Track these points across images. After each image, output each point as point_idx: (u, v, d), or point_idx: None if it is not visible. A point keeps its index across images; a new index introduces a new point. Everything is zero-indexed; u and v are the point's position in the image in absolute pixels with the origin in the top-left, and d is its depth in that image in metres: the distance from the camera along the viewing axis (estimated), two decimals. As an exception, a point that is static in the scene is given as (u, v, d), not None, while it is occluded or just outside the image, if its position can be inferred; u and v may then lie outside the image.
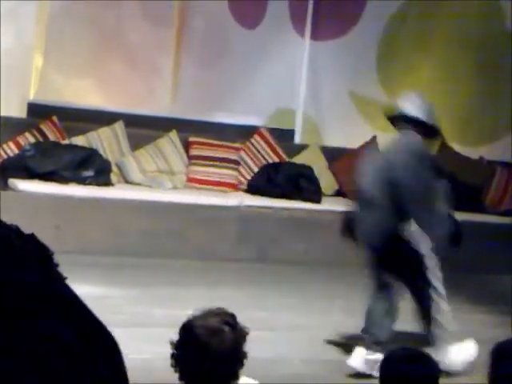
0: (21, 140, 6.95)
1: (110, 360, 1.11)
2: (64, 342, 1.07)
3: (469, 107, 8.36)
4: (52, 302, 1.09)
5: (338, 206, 7.40)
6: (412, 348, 2.53)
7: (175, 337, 2.56)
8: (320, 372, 4.48)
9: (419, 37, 8.17)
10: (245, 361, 2.52)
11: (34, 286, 1.09)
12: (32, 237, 1.16)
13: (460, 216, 7.52)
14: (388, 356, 2.51)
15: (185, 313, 2.63)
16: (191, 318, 2.55)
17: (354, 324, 5.41)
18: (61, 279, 1.13)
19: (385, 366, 2.48)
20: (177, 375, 2.54)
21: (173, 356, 2.51)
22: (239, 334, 2.52)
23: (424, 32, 8.18)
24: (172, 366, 2.51)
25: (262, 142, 7.71)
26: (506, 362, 2.41)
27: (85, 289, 5.76)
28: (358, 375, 4.41)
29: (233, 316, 2.56)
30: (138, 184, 7.11)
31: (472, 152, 8.34)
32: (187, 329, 2.51)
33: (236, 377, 2.52)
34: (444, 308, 4.69)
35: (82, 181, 6.74)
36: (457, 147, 8.29)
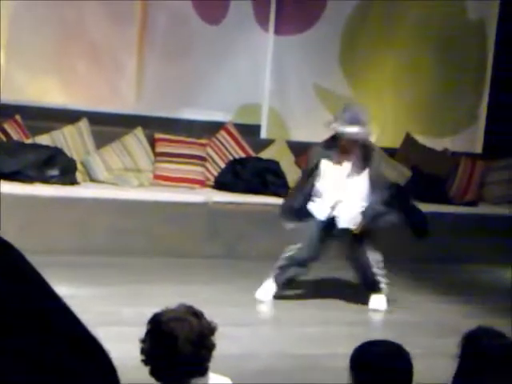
0: (-16, 140, 6.87)
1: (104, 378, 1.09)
2: (50, 358, 1.05)
3: (432, 99, 8.43)
4: (33, 316, 1.05)
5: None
6: (386, 341, 2.54)
7: (143, 335, 2.56)
8: (289, 366, 4.50)
9: (382, 30, 8.22)
10: (213, 352, 2.53)
11: (9, 299, 1.05)
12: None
13: (425, 207, 7.62)
14: (361, 349, 2.51)
15: (152, 310, 2.63)
16: (159, 311, 2.57)
17: (323, 318, 5.44)
18: (46, 288, 1.09)
19: (358, 359, 2.49)
20: (146, 374, 2.54)
21: (142, 351, 2.52)
22: (206, 325, 2.54)
23: (387, 25, 8.23)
24: (142, 361, 2.52)
25: (229, 138, 7.71)
26: (474, 351, 2.44)
27: (55, 289, 5.68)
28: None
29: (200, 312, 2.58)
30: (104, 182, 7.07)
31: (436, 144, 8.42)
32: (155, 321, 2.54)
33: (205, 368, 2.53)
34: (378, 258, 5.73)
35: (47, 180, 6.68)
36: (421, 139, 8.37)
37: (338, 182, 5.53)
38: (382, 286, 5.81)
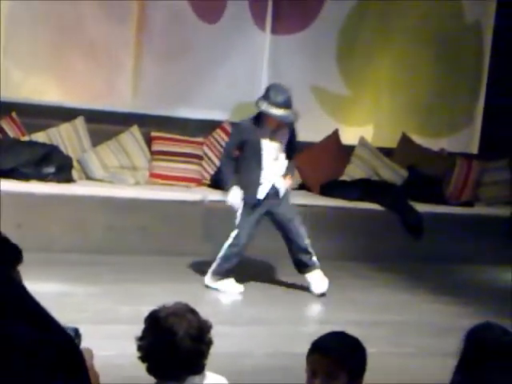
0: (-20, 137, 6.86)
1: (70, 365, 1.10)
2: (23, 342, 1.06)
3: (429, 100, 8.45)
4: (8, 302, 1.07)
5: (302, 199, 7.44)
6: (342, 332, 2.56)
7: (140, 332, 2.56)
8: (283, 365, 4.50)
9: (379, 30, 8.23)
10: (210, 348, 2.54)
11: None
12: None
13: (421, 207, 7.64)
14: (320, 340, 2.54)
15: (149, 308, 2.64)
16: (156, 308, 2.57)
17: (317, 316, 5.45)
18: (14, 280, 1.11)
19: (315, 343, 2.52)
20: (143, 371, 2.54)
21: (139, 348, 2.52)
22: (203, 322, 2.55)
23: (384, 25, 8.24)
24: (139, 358, 2.52)
25: (225, 137, 7.70)
26: (476, 345, 2.45)
27: (48, 287, 5.73)
28: None
29: (195, 310, 2.59)
30: (100, 180, 7.07)
31: (432, 144, 8.43)
32: (153, 317, 2.54)
33: (202, 365, 2.53)
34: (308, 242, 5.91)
35: (43, 178, 6.67)
36: (417, 139, 8.38)
37: (268, 160, 5.78)
38: (315, 258, 5.91)
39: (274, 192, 5.83)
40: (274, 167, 5.82)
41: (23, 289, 1.13)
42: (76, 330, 1.45)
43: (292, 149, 5.93)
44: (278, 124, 5.71)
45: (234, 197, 5.81)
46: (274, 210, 5.87)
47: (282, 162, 5.87)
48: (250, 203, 5.79)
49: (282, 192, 5.85)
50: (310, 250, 5.93)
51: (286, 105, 5.66)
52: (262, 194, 5.80)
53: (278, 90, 5.73)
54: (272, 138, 5.77)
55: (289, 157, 5.90)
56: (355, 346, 2.46)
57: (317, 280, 5.90)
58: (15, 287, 1.12)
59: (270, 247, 6.95)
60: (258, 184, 5.77)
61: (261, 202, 5.82)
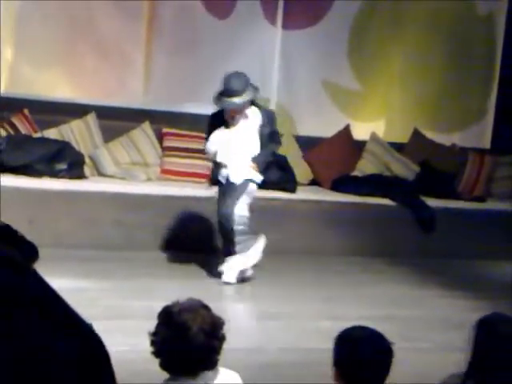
0: (-8, 134, 6.88)
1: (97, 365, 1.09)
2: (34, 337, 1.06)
3: (440, 94, 8.41)
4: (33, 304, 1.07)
5: (313, 194, 7.44)
6: (367, 327, 2.56)
7: (153, 328, 2.56)
8: (297, 360, 4.50)
9: (391, 25, 8.20)
10: (223, 343, 2.54)
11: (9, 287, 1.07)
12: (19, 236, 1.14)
13: (433, 202, 7.61)
14: (343, 335, 2.54)
15: (161, 304, 2.64)
16: (169, 304, 2.58)
17: (330, 312, 5.44)
18: (40, 279, 1.11)
19: (340, 345, 2.52)
20: (155, 367, 2.54)
21: (153, 343, 2.52)
22: (216, 318, 2.55)
23: (395, 20, 8.21)
24: (152, 353, 2.52)
25: (236, 132, 7.71)
26: (488, 336, 2.45)
27: (60, 282, 5.72)
28: None
29: (208, 306, 2.59)
30: (112, 176, 7.08)
31: (444, 139, 8.40)
32: (166, 312, 2.55)
33: (215, 361, 2.54)
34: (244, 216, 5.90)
35: (55, 174, 6.69)
36: (429, 134, 8.35)
37: (227, 146, 5.86)
38: (238, 249, 5.86)
39: (229, 179, 5.89)
40: (233, 155, 5.86)
41: (53, 291, 1.13)
42: (90, 326, 1.45)
43: (266, 137, 5.91)
44: (232, 112, 5.79)
45: (211, 144, 5.92)
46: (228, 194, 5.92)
47: (245, 150, 5.87)
48: (221, 188, 5.95)
49: (234, 180, 5.86)
50: (237, 238, 5.88)
51: (228, 93, 5.73)
52: (222, 178, 5.91)
53: (225, 78, 5.84)
54: (231, 126, 5.86)
55: (264, 145, 5.90)
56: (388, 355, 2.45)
57: (227, 269, 5.88)
58: (49, 290, 1.12)
59: (280, 243, 6.95)
60: (220, 168, 5.91)
61: (224, 185, 5.91)
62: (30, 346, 1.04)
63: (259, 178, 5.94)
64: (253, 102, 5.89)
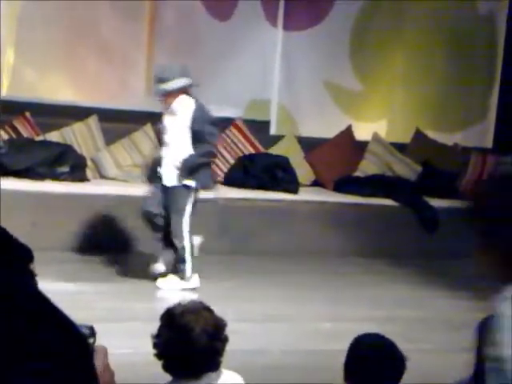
0: (-6, 137, 6.89)
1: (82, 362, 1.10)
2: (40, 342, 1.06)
3: (442, 94, 8.40)
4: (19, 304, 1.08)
5: (315, 195, 7.43)
6: (380, 335, 2.55)
7: (155, 330, 2.56)
8: (299, 362, 4.49)
9: (392, 25, 8.19)
10: (226, 345, 2.54)
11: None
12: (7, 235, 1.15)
13: (436, 202, 7.60)
14: (356, 342, 2.53)
15: (163, 306, 2.64)
16: (171, 306, 2.57)
17: (333, 313, 5.43)
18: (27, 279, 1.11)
19: (353, 351, 2.51)
20: (158, 369, 2.54)
21: (155, 346, 2.52)
22: (218, 319, 2.55)
23: (397, 20, 8.20)
24: (155, 355, 2.51)
25: (238, 134, 7.71)
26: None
27: (63, 285, 5.72)
28: None
29: (210, 308, 2.59)
30: (114, 179, 7.08)
31: (446, 139, 8.39)
32: (169, 314, 2.54)
33: (218, 362, 2.53)
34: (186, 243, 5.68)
35: (57, 177, 6.69)
36: (431, 134, 8.34)
37: (164, 142, 5.73)
38: (184, 268, 5.65)
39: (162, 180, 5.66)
40: (165, 150, 5.66)
41: (39, 291, 1.14)
42: (91, 328, 1.45)
43: (199, 134, 5.59)
44: (161, 100, 5.65)
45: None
46: (164, 197, 5.69)
47: (176, 147, 5.61)
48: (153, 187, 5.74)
49: (166, 182, 5.62)
50: (181, 250, 5.64)
51: (156, 79, 5.65)
52: (158, 176, 5.66)
53: (158, 66, 5.83)
54: (165, 116, 5.71)
55: (198, 143, 5.59)
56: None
57: (166, 282, 5.67)
58: (32, 288, 1.13)
59: (282, 244, 6.95)
60: (157, 163, 5.70)
61: (159, 184, 5.68)
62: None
63: (192, 182, 5.58)
64: (187, 94, 5.63)
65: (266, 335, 4.98)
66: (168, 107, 5.64)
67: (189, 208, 5.60)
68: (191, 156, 5.61)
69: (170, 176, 5.62)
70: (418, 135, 8.29)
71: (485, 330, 2.37)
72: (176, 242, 5.63)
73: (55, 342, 1.06)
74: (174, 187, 5.61)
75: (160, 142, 5.83)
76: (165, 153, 5.67)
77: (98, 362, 1.37)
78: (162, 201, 5.66)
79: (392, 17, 8.19)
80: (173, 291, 5.56)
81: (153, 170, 5.73)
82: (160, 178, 5.67)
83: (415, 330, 5.24)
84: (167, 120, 5.69)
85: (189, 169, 5.56)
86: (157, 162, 5.71)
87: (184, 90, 5.64)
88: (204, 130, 5.59)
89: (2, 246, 1.10)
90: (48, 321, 1.08)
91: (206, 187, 5.78)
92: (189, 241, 5.63)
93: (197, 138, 5.61)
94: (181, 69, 5.69)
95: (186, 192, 5.59)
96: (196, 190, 5.65)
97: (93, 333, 1.40)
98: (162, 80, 5.60)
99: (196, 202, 5.67)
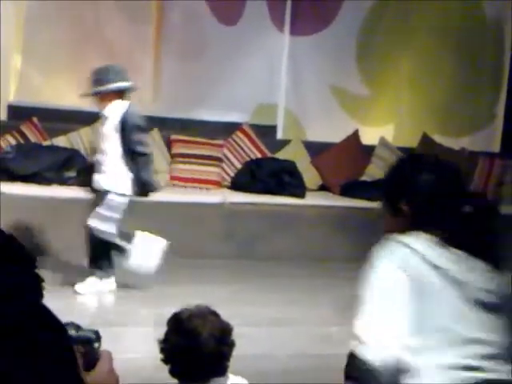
0: (1, 142, 6.91)
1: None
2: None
3: (449, 98, 8.39)
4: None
5: (322, 200, 7.43)
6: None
7: (162, 335, 2.56)
8: (307, 367, 4.49)
9: (399, 29, 8.19)
10: (233, 349, 2.54)
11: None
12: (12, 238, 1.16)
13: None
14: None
15: (170, 311, 2.64)
16: (178, 311, 2.58)
17: (339, 318, 5.43)
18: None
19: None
20: (165, 374, 2.54)
21: (162, 350, 2.52)
22: (225, 324, 2.55)
23: (403, 25, 8.20)
24: (162, 360, 2.52)
25: (245, 138, 7.71)
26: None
27: (70, 290, 5.73)
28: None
29: (216, 312, 2.59)
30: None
31: (453, 143, 8.38)
32: (176, 319, 2.55)
33: (225, 367, 2.53)
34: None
35: (65, 182, 6.71)
36: (438, 139, 8.33)
37: (96, 142, 5.61)
38: (100, 272, 5.52)
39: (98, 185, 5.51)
40: (101, 157, 5.50)
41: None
42: (96, 333, 1.45)
43: (125, 140, 5.40)
44: (98, 103, 5.51)
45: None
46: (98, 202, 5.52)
47: (111, 153, 5.44)
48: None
49: (100, 187, 5.47)
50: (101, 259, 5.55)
51: (92, 81, 5.50)
52: (94, 182, 5.53)
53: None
54: (101, 121, 5.56)
55: (127, 149, 5.40)
56: None
57: (86, 285, 5.52)
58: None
59: (289, 249, 6.94)
60: (95, 169, 5.56)
61: (96, 191, 5.56)
62: None
63: (124, 189, 5.43)
64: (123, 98, 5.45)
65: (271, 339, 4.98)
66: (102, 110, 5.50)
67: (120, 215, 5.49)
68: (138, 175, 5.42)
69: (105, 182, 5.47)
70: (425, 139, 8.29)
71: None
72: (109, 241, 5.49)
73: (48, 341, 1.08)
74: (108, 192, 5.46)
75: (96, 147, 5.62)
76: (101, 159, 5.50)
77: (102, 366, 1.38)
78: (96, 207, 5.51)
79: (399, 22, 8.18)
80: (91, 293, 5.44)
81: (88, 176, 5.59)
82: (95, 184, 5.53)
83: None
84: (103, 124, 5.53)
85: (139, 185, 5.47)
86: (92, 168, 5.56)
87: (119, 94, 5.47)
88: (131, 138, 5.39)
89: (8, 250, 1.12)
90: (44, 322, 1.09)
91: (150, 189, 5.64)
92: (120, 240, 5.49)
93: (126, 145, 5.39)
94: (117, 71, 5.51)
95: (122, 198, 5.48)
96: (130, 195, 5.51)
97: (98, 337, 1.41)
98: (97, 82, 5.47)
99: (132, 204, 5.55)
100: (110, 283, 5.61)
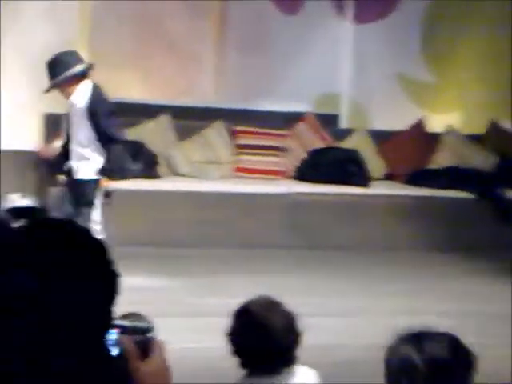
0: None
1: None
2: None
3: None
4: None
5: (387, 189, 7.34)
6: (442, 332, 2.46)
7: (229, 326, 2.56)
8: (376, 358, 4.43)
9: (465, 14, 8.02)
10: (299, 339, 2.53)
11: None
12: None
13: (513, 194, 7.41)
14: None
15: (238, 301, 2.63)
16: (245, 302, 2.57)
17: (408, 307, 5.36)
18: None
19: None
20: (234, 363, 2.54)
21: (232, 343, 2.51)
22: (291, 314, 2.54)
23: (469, 10, 8.03)
24: (231, 352, 2.51)
25: (308, 128, 7.67)
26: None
27: (135, 280, 5.79)
28: None
29: (281, 303, 2.58)
30: (186, 175, 7.14)
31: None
32: (243, 311, 2.55)
33: (295, 356, 2.52)
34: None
35: (130, 174, 6.78)
36: (508, 125, 8.14)
37: (66, 129, 5.40)
38: None
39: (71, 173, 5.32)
40: (72, 144, 5.32)
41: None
42: (150, 322, 1.47)
43: (94, 124, 5.20)
44: (62, 93, 5.30)
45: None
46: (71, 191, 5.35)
47: (81, 140, 5.27)
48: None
49: (74, 175, 5.28)
50: None
51: (49, 73, 5.29)
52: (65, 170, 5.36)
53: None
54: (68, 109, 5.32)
55: (103, 142, 5.24)
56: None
57: None
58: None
59: (354, 238, 6.89)
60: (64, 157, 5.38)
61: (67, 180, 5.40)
62: None
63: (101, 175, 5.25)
64: (85, 80, 5.26)
65: (341, 330, 4.94)
66: (68, 98, 5.30)
67: (98, 201, 5.32)
68: (109, 163, 5.30)
69: (78, 169, 5.29)
70: (494, 126, 8.11)
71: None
72: None
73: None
74: (81, 180, 5.30)
75: (67, 134, 5.40)
76: (72, 146, 5.33)
77: (156, 356, 1.40)
78: (68, 196, 5.37)
79: (464, 7, 8.01)
80: None
81: (59, 164, 5.44)
82: (67, 173, 5.38)
83: (490, 324, 5.12)
84: (70, 111, 5.33)
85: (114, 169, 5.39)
86: (63, 156, 5.39)
87: (79, 78, 5.29)
88: (100, 122, 5.20)
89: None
90: None
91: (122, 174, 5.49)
92: (100, 234, 5.20)
93: (96, 129, 5.20)
94: (68, 58, 5.32)
95: (95, 185, 5.32)
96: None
97: (152, 327, 1.42)
98: (52, 74, 5.25)
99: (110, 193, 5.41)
100: None
